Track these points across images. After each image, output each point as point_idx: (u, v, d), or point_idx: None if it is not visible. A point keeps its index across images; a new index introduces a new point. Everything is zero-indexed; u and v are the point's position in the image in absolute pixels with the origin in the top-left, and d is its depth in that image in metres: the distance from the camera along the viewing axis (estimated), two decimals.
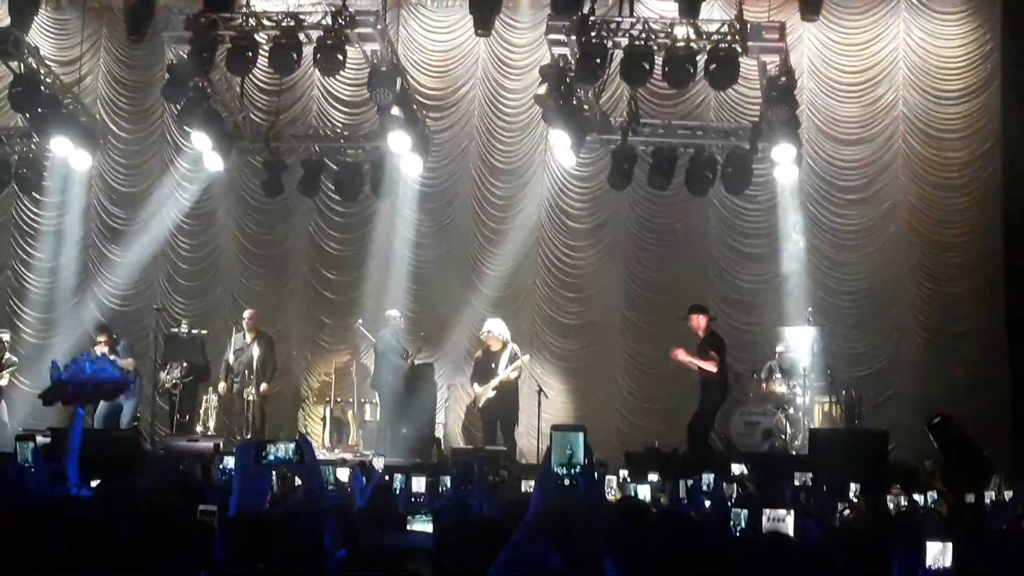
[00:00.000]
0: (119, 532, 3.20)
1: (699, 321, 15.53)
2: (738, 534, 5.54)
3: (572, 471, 3.67)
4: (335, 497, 7.50)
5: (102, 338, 16.69)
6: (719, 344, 15.41)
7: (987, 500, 11.15)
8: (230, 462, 9.02)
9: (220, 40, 16.79)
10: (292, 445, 4.68)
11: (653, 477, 10.33)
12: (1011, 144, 18.24)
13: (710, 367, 15.11)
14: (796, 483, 9.96)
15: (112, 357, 16.34)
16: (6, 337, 18.62)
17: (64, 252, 20.08)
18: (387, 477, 9.22)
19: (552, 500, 3.72)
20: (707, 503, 7.89)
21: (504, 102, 19.57)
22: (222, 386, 17.54)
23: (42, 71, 18.09)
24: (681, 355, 15.38)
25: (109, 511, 3.34)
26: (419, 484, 8.60)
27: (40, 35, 19.37)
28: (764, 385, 16.83)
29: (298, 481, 10.15)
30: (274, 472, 10.24)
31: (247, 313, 17.77)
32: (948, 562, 4.83)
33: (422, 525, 5.69)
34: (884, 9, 18.80)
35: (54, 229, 20.13)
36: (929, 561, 4.83)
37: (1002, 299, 18.21)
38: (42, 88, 17.90)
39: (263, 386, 17.35)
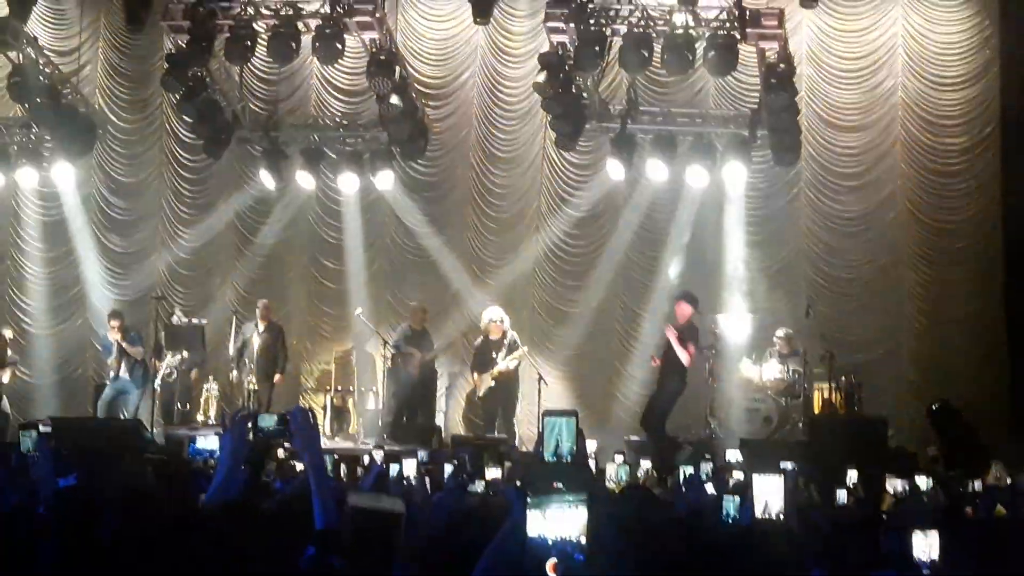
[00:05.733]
0: (101, 524, 3.21)
1: (684, 309, 15.70)
2: (730, 521, 5.55)
3: (563, 457, 3.66)
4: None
5: (115, 323, 16.72)
6: (696, 336, 15.63)
7: (984, 485, 11.17)
8: (204, 443, 8.89)
9: (219, 29, 16.85)
10: (275, 417, 4.65)
11: (647, 464, 10.39)
12: (1010, 130, 18.23)
13: (685, 358, 15.49)
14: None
15: (124, 344, 16.44)
16: (8, 334, 18.67)
17: (63, 242, 20.06)
18: (386, 466, 9.25)
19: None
20: (708, 489, 7.92)
21: (503, 90, 19.53)
22: (234, 375, 17.54)
23: (41, 61, 18.08)
24: (671, 334, 15.67)
25: (93, 503, 3.34)
26: (410, 468, 8.59)
27: (39, 25, 19.28)
28: (763, 371, 16.82)
29: (299, 467, 10.19)
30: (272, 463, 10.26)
31: (261, 303, 17.78)
32: (935, 554, 4.81)
33: None
34: None
35: (53, 219, 20.11)
36: (916, 552, 4.82)
37: (1001, 285, 18.22)
38: (41, 78, 17.90)
39: (276, 377, 17.38)
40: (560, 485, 2.97)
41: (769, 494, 4.91)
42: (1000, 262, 18.28)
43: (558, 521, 2.91)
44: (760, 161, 18.19)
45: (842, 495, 9.37)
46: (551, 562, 2.90)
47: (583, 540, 2.90)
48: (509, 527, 3.36)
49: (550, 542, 2.90)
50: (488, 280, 19.23)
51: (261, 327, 17.40)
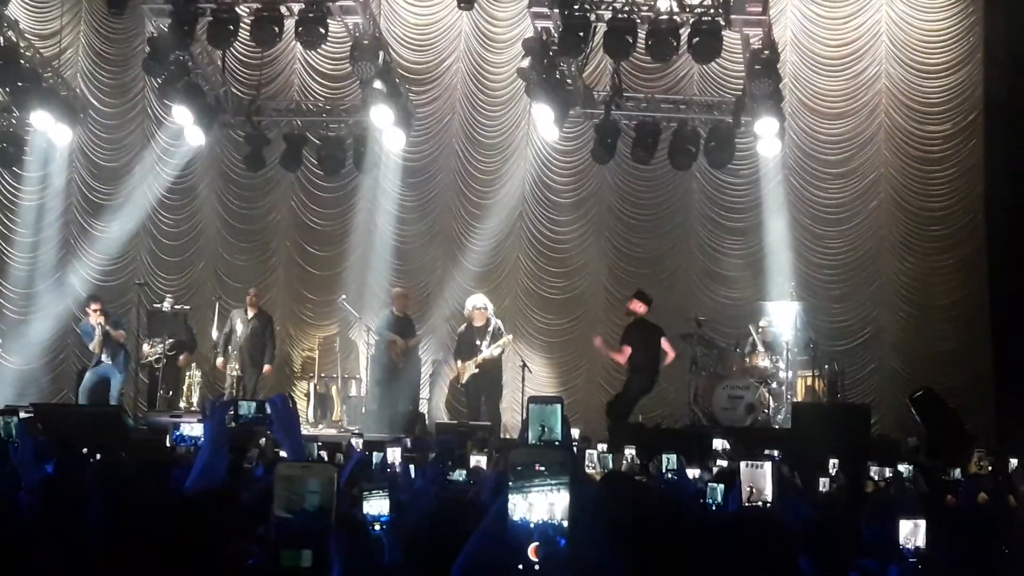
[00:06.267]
0: (86, 513, 3.17)
1: (635, 307, 15.74)
2: (714, 508, 5.54)
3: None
4: None
5: (95, 307, 16.58)
6: (636, 336, 15.69)
7: (966, 473, 11.19)
8: (188, 430, 8.86)
9: (201, 13, 16.75)
10: (253, 404, 4.60)
11: (630, 451, 10.39)
12: (994, 117, 18.25)
13: (617, 358, 15.83)
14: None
15: (107, 328, 16.33)
16: None
17: (45, 227, 19.94)
18: (367, 453, 9.20)
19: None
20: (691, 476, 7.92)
21: (487, 76, 19.49)
22: (219, 361, 17.44)
23: (22, 44, 17.95)
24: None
25: (75, 492, 3.31)
26: (394, 455, 8.56)
27: (20, 8, 19.16)
28: (747, 359, 16.81)
29: (282, 454, 10.15)
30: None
31: (250, 291, 17.67)
32: (921, 541, 4.80)
33: (379, 502, 4.71)
34: None
35: (35, 204, 19.98)
36: (902, 540, 4.81)
37: (984, 272, 18.26)
38: (22, 62, 17.78)
39: (266, 367, 17.29)
40: (543, 468, 2.93)
41: (755, 481, 4.89)
42: (983, 249, 18.32)
43: (540, 504, 2.88)
44: (743, 148, 18.18)
45: (824, 483, 9.37)
46: (533, 546, 2.88)
47: (565, 524, 2.87)
48: (494, 514, 3.33)
49: (532, 525, 2.87)
50: (472, 266, 19.18)
51: (250, 314, 17.31)
